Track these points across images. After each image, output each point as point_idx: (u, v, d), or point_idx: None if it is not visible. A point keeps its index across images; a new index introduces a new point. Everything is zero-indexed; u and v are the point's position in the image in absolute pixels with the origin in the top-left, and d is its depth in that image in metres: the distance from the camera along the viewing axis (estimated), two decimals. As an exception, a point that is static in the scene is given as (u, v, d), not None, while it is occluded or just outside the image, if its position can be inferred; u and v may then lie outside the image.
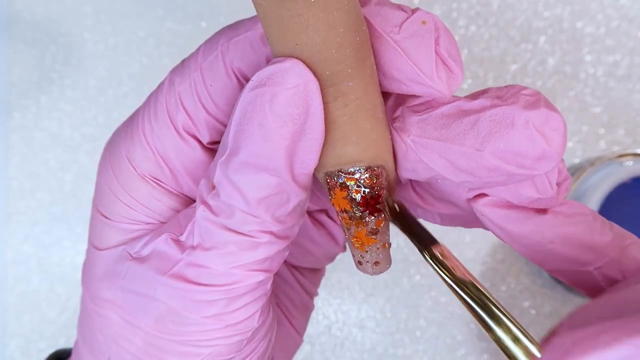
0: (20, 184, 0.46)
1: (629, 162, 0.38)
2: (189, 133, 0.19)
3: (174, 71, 0.19)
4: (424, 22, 0.17)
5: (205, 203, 0.18)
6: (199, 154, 0.19)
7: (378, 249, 0.19)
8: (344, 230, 0.19)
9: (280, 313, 0.24)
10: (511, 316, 0.15)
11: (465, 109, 0.17)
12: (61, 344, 0.46)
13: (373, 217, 0.18)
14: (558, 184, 0.18)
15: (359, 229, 0.18)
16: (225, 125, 0.19)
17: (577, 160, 0.43)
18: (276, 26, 0.15)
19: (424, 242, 0.17)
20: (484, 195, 0.18)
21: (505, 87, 0.17)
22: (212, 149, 0.20)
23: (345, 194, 0.17)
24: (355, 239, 0.19)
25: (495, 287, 0.44)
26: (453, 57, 0.17)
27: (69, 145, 0.46)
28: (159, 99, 0.19)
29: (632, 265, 0.18)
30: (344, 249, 0.26)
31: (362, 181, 0.17)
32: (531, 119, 0.16)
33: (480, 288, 0.16)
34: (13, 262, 0.45)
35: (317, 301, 0.44)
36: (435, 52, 0.17)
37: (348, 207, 0.18)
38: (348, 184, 0.17)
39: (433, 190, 0.20)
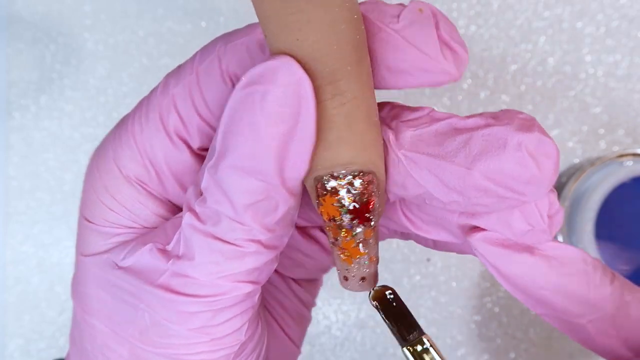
0: (20, 183, 0.46)
1: (629, 162, 0.38)
2: (179, 136, 0.19)
3: (169, 75, 0.19)
4: (420, 10, 0.17)
5: (192, 210, 0.17)
6: (188, 158, 0.19)
7: (366, 262, 0.18)
8: (331, 243, 0.18)
9: (274, 323, 0.23)
10: None
11: (459, 127, 0.17)
12: (61, 344, 0.46)
13: (362, 227, 0.17)
14: (549, 217, 0.17)
15: (347, 239, 0.18)
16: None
17: (577, 160, 0.43)
18: (276, 22, 0.15)
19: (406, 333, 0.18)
20: (480, 229, 0.18)
21: (502, 110, 0.17)
22: (201, 155, 0.19)
23: (334, 200, 0.17)
24: (342, 251, 0.18)
25: (495, 287, 0.44)
26: (455, 40, 0.17)
27: (68, 145, 0.46)
28: (151, 101, 0.19)
29: (628, 323, 0.18)
30: None
31: (353, 187, 0.17)
32: (524, 141, 0.16)
33: None
34: (13, 262, 0.45)
35: (317, 301, 0.44)
36: (438, 37, 0.16)
37: (337, 215, 0.17)
38: (339, 189, 0.17)
39: (422, 214, 0.19)
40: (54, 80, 0.46)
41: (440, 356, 0.17)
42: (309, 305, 0.25)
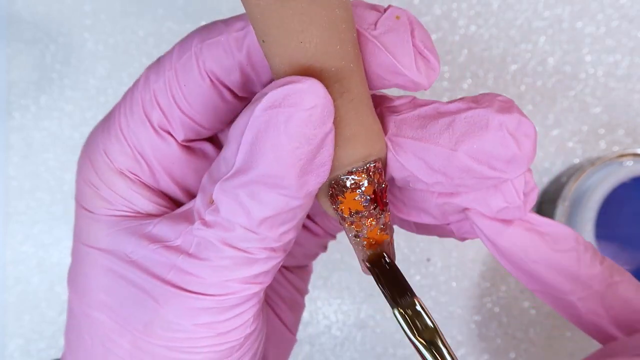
0: (20, 183, 0.46)
1: (629, 162, 0.38)
2: (164, 130, 0.19)
3: (150, 68, 0.19)
4: (397, 17, 0.17)
5: (202, 219, 0.17)
6: (175, 150, 0.19)
7: (388, 244, 0.19)
8: (353, 236, 0.18)
9: (270, 311, 0.24)
10: None
11: (442, 111, 0.17)
12: (61, 344, 0.46)
13: (383, 212, 0.18)
14: (525, 194, 0.18)
15: (372, 227, 0.18)
16: (199, 125, 0.19)
17: (577, 160, 0.43)
18: (277, 26, 0.15)
19: (398, 294, 0.17)
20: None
21: (481, 94, 0.17)
22: (187, 146, 0.20)
23: (356, 194, 0.17)
24: (367, 240, 0.18)
25: (495, 287, 0.44)
26: (429, 49, 0.17)
27: (68, 145, 0.46)
28: (134, 95, 0.19)
29: (617, 302, 0.19)
30: (325, 248, 0.26)
31: (371, 177, 0.17)
32: (504, 122, 0.16)
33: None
34: (13, 262, 0.45)
35: (317, 301, 0.44)
36: (412, 45, 0.17)
37: (361, 208, 0.17)
38: (360, 182, 0.17)
39: (404, 197, 0.20)
40: (54, 80, 0.46)
41: (431, 319, 0.17)
42: (302, 292, 0.26)
